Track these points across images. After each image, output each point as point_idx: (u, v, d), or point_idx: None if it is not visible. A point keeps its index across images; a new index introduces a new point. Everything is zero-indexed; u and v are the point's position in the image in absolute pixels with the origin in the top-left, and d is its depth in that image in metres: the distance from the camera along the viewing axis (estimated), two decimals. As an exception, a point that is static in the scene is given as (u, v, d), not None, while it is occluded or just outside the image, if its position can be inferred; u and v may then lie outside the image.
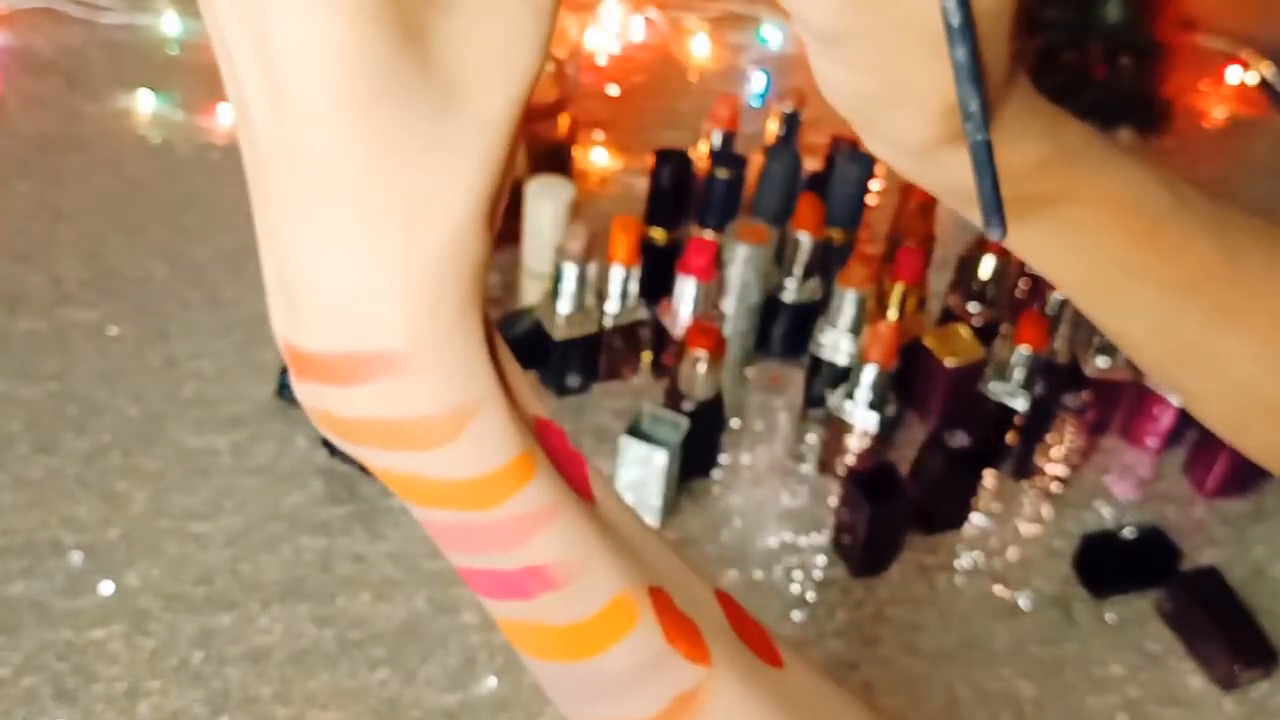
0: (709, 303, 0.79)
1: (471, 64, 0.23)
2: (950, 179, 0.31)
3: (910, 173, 0.32)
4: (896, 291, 0.80)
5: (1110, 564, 0.73)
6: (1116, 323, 0.38)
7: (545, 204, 0.84)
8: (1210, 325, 0.36)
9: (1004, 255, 0.85)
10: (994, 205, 0.28)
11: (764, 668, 0.30)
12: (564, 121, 0.95)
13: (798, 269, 0.84)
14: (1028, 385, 0.76)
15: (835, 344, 0.79)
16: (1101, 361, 0.81)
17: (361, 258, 0.23)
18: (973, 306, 0.86)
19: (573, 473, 0.28)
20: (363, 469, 0.74)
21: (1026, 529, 0.77)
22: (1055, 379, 0.78)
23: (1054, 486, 0.80)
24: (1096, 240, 0.35)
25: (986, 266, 0.85)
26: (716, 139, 0.93)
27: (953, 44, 0.26)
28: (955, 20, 0.26)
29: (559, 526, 0.26)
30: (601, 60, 1.28)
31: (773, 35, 1.36)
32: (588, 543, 0.27)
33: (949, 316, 0.87)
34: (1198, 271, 0.35)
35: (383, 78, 0.22)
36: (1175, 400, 0.81)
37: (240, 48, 0.22)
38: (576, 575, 0.27)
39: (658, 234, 0.88)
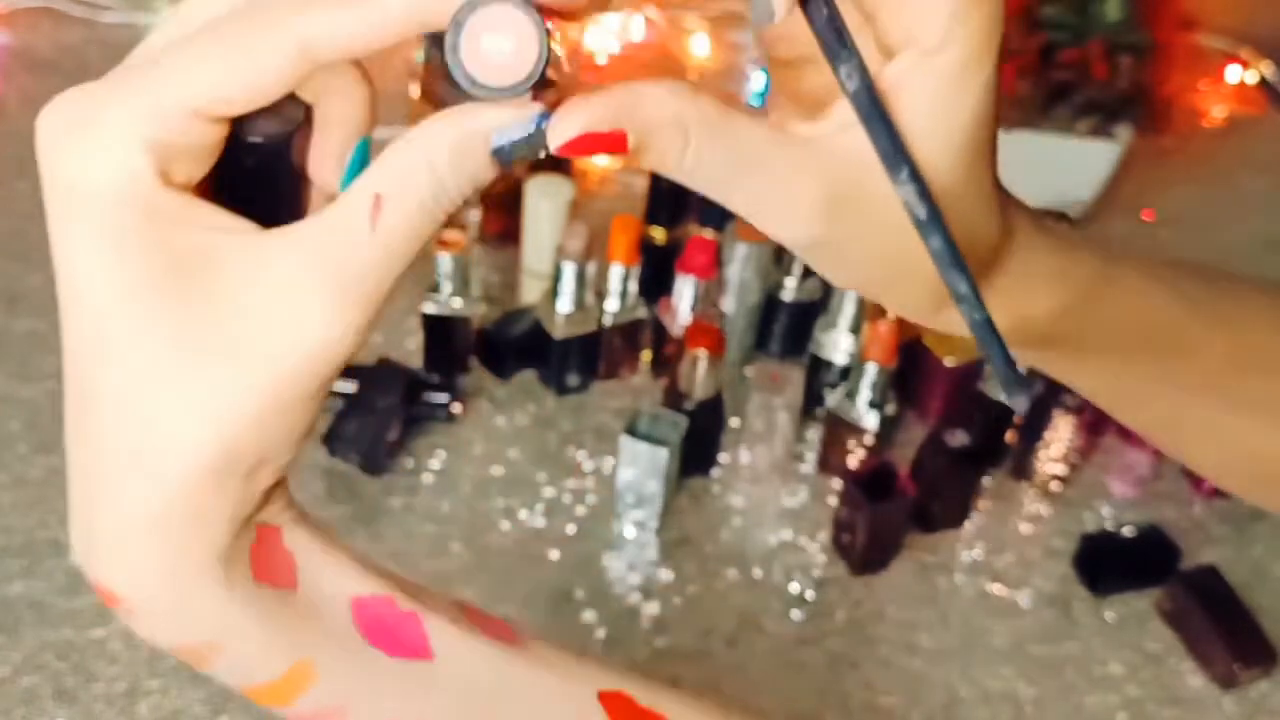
0: (708, 302, 0.79)
1: (266, 327, 0.24)
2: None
3: (932, 326, 0.32)
4: (896, 290, 0.80)
5: (1110, 563, 0.73)
6: (1132, 417, 0.40)
7: (544, 203, 0.84)
8: (1227, 409, 0.37)
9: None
10: (1010, 377, 0.28)
11: None
12: (563, 121, 0.95)
13: (797, 268, 0.84)
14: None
15: (835, 343, 0.79)
16: (1101, 360, 0.81)
17: (99, 490, 0.25)
18: (972, 305, 0.86)
19: (497, 631, 0.30)
20: (363, 468, 0.74)
21: (1026, 528, 0.77)
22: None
23: (1053, 486, 0.80)
24: (1115, 365, 0.36)
25: (986, 265, 0.85)
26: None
27: (925, 236, 0.27)
28: (921, 213, 0.26)
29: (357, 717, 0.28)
30: (601, 60, 1.28)
31: (772, 34, 1.36)
32: None
33: (948, 315, 0.87)
34: (1213, 368, 0.37)
35: (131, 320, 0.24)
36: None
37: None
38: None
39: (657, 233, 0.88)
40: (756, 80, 1.25)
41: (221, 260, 0.24)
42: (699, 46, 1.33)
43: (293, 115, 0.26)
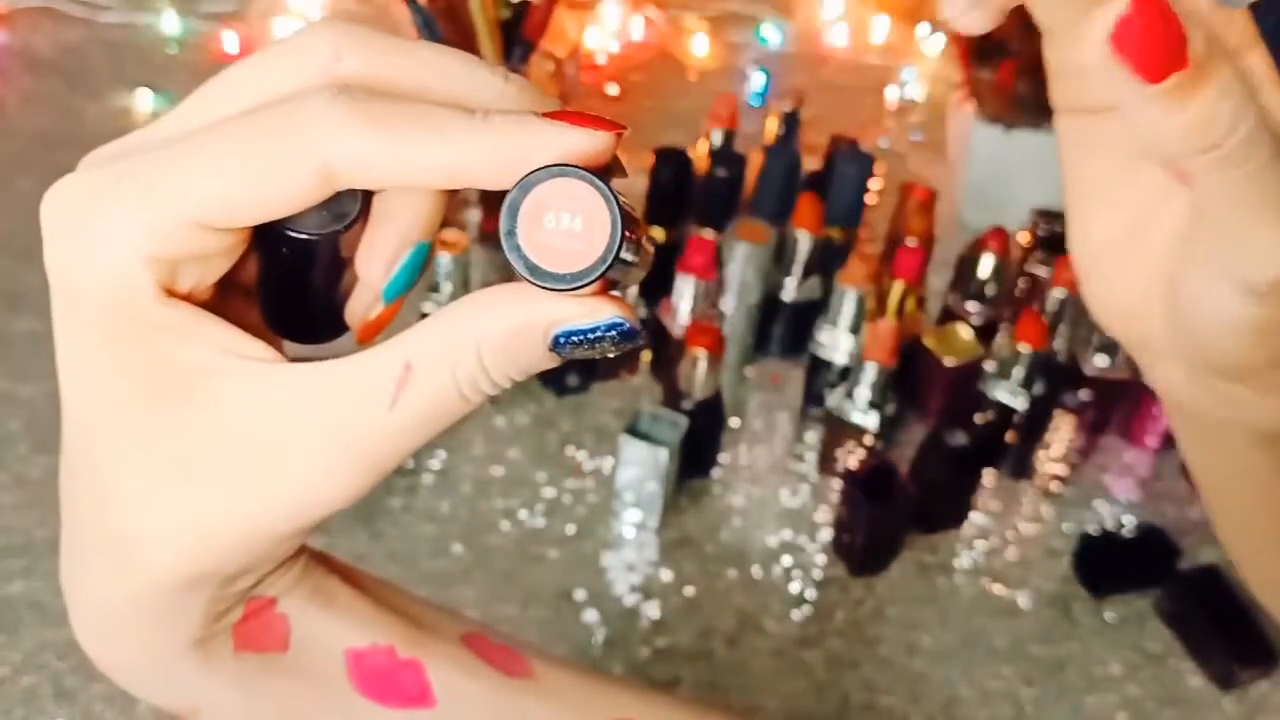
0: (708, 302, 0.79)
1: (229, 461, 0.23)
2: None
3: None
4: (896, 290, 0.80)
5: (1109, 563, 0.73)
6: None
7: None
8: None
9: (1003, 254, 0.85)
10: None
11: None
12: (563, 120, 0.95)
13: (797, 268, 0.84)
14: (1027, 384, 0.76)
15: (835, 343, 0.79)
16: (1101, 360, 0.81)
17: (76, 566, 0.25)
18: (972, 305, 0.86)
19: (506, 663, 0.29)
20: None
21: (1026, 528, 0.77)
22: (1055, 378, 0.78)
23: (1053, 486, 0.80)
24: None
25: (986, 265, 0.85)
26: (716, 138, 0.93)
27: None
28: None
29: None
30: (601, 59, 1.28)
31: (772, 34, 1.36)
32: None
33: (948, 315, 0.87)
34: None
35: (116, 432, 0.23)
36: None
37: None
38: None
39: (657, 233, 0.88)
40: (756, 80, 1.25)
41: (223, 385, 0.23)
42: (698, 45, 1.33)
43: (345, 209, 0.24)
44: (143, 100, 1.10)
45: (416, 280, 0.25)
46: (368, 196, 0.24)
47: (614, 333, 0.22)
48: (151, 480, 0.23)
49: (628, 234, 0.21)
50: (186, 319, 0.23)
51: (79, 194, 0.22)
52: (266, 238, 0.23)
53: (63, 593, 0.26)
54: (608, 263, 0.21)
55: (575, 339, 0.22)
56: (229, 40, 1.21)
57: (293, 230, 0.23)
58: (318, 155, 0.21)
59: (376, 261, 0.24)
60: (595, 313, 0.22)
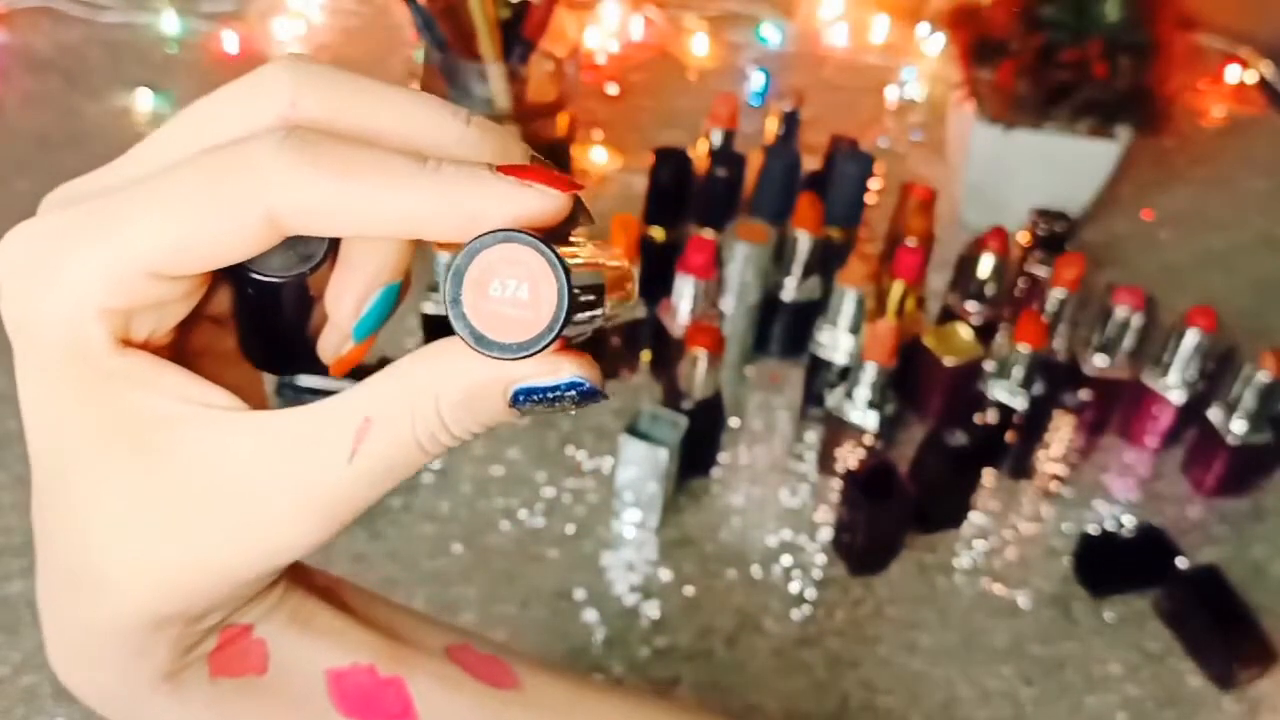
0: (708, 301, 0.79)
1: (188, 508, 0.23)
2: None
3: None
4: (896, 290, 0.80)
5: (1109, 563, 0.73)
6: None
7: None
8: None
9: (1003, 254, 0.85)
10: None
11: None
12: (563, 120, 0.95)
13: (797, 268, 0.84)
14: (1027, 384, 0.76)
15: (834, 343, 0.79)
16: (1100, 360, 0.81)
17: (49, 599, 0.26)
18: (972, 305, 0.86)
19: (491, 674, 0.29)
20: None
21: (1025, 528, 0.77)
22: (1054, 378, 0.78)
23: (1053, 485, 0.80)
24: None
25: (985, 265, 0.85)
26: (715, 138, 0.93)
27: None
28: None
29: None
30: (600, 59, 1.28)
31: (772, 34, 1.36)
32: None
33: (948, 315, 0.87)
34: None
35: (75, 477, 0.23)
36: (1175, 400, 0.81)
37: None
38: None
39: (657, 233, 0.88)
40: (756, 80, 1.25)
41: (183, 434, 0.23)
42: (698, 45, 1.33)
43: (311, 250, 0.23)
44: (143, 100, 1.10)
45: (388, 317, 0.24)
46: (335, 241, 0.24)
47: (574, 392, 0.22)
48: (114, 523, 0.23)
49: (581, 296, 0.20)
50: (143, 368, 0.23)
51: (34, 242, 0.22)
52: (235, 275, 0.23)
53: (41, 622, 0.26)
54: (554, 333, 0.20)
55: (535, 397, 0.22)
56: (229, 40, 1.21)
57: (256, 273, 0.23)
58: (263, 201, 0.21)
59: (345, 302, 0.24)
60: (556, 371, 0.22)
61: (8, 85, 1.11)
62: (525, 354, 0.20)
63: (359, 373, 0.26)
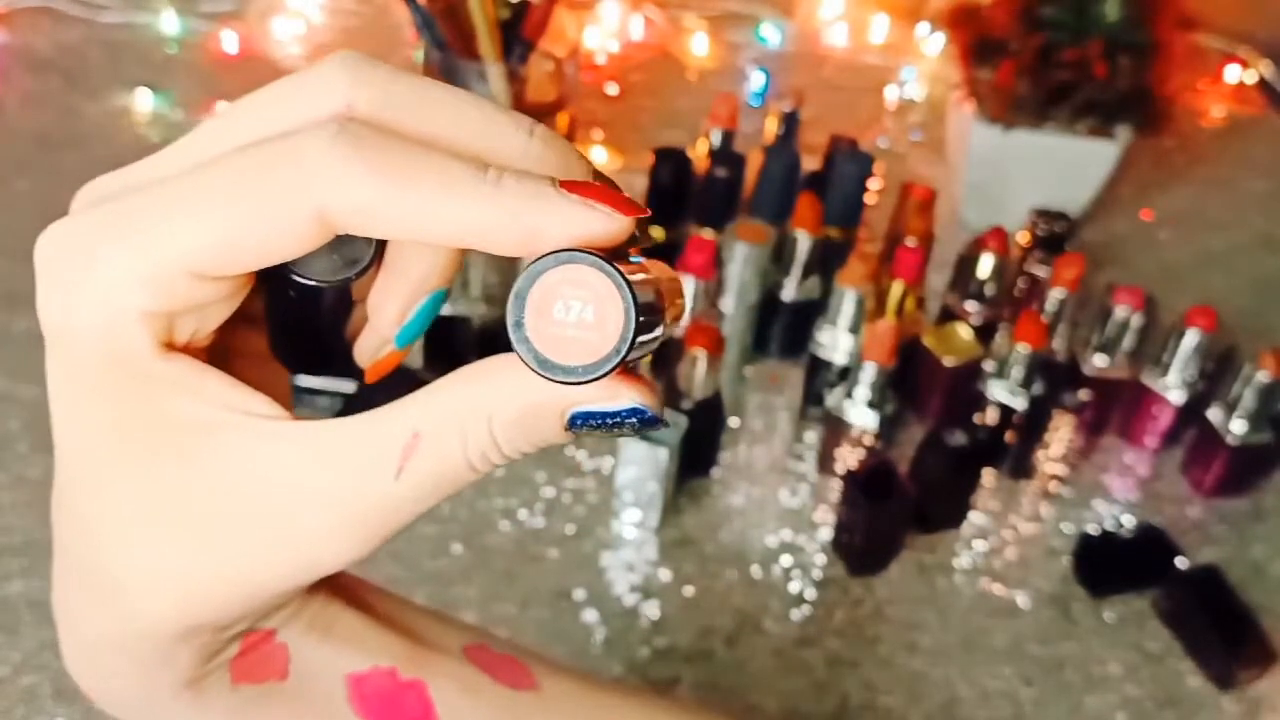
0: (708, 301, 0.79)
1: (224, 519, 0.22)
2: None
3: None
4: (895, 290, 0.80)
5: (1108, 563, 0.73)
6: None
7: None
8: None
9: (1003, 254, 0.85)
10: None
11: None
12: (563, 120, 0.95)
13: (796, 268, 0.84)
14: (1027, 384, 0.76)
15: (834, 343, 0.79)
16: (1100, 360, 0.81)
17: (68, 605, 0.24)
18: (971, 305, 0.86)
19: (509, 674, 0.29)
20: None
21: (1025, 528, 0.77)
22: (1054, 378, 0.78)
23: (1052, 485, 0.80)
24: None
25: (985, 265, 0.85)
26: (715, 138, 0.93)
27: None
28: None
29: None
30: (600, 59, 1.28)
31: (772, 34, 1.36)
32: None
33: (948, 315, 0.87)
34: None
35: (106, 485, 0.22)
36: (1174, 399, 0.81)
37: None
38: None
39: (657, 233, 0.88)
40: (756, 80, 1.25)
41: (224, 442, 0.22)
42: (698, 45, 1.33)
43: (357, 254, 0.22)
44: (142, 100, 1.10)
45: (429, 326, 0.24)
46: (381, 241, 0.23)
47: (634, 419, 0.21)
48: (144, 532, 0.22)
49: (645, 318, 0.20)
50: (186, 373, 0.22)
51: (72, 240, 0.21)
52: (273, 277, 0.22)
53: (58, 626, 0.25)
54: (622, 355, 0.19)
55: (593, 421, 0.21)
56: (228, 40, 1.21)
57: (301, 276, 0.22)
58: (314, 199, 0.19)
59: (389, 308, 0.23)
60: (615, 397, 0.21)
61: (8, 85, 1.11)
62: (591, 378, 0.20)
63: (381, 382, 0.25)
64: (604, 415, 0.21)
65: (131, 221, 0.21)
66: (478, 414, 0.21)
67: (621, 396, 0.21)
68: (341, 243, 0.22)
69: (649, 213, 0.21)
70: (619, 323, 0.19)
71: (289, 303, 0.24)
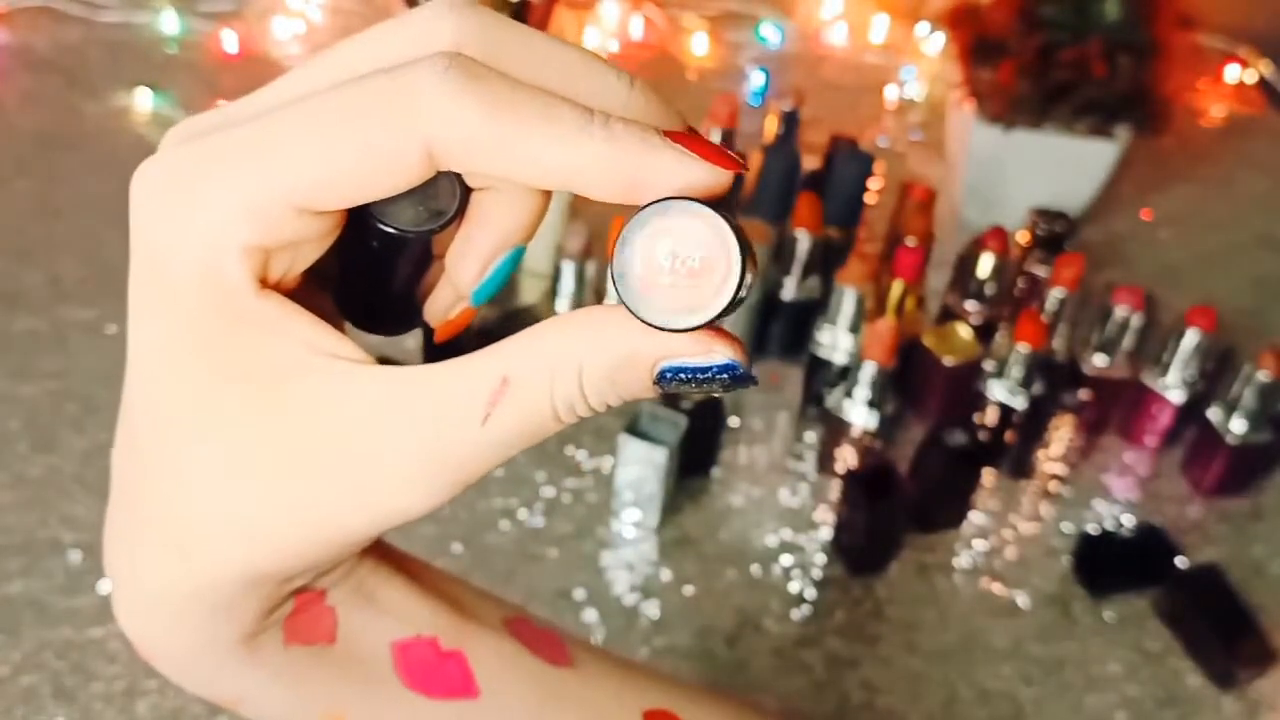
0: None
1: (303, 463, 0.22)
2: None
3: None
4: (895, 290, 0.80)
5: (1108, 563, 0.73)
6: None
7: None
8: None
9: (1003, 253, 0.85)
10: None
11: None
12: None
13: (796, 267, 0.84)
14: (1026, 384, 0.76)
15: (834, 342, 0.79)
16: (1100, 360, 0.81)
17: (127, 552, 0.24)
18: (971, 305, 0.86)
19: (547, 649, 0.29)
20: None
21: (1025, 528, 0.77)
22: (1054, 377, 0.78)
23: (1052, 485, 0.80)
24: None
25: (985, 265, 0.85)
26: (715, 137, 0.93)
27: None
28: None
29: None
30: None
31: (771, 34, 1.36)
32: None
33: (948, 315, 0.87)
34: None
35: (186, 423, 0.22)
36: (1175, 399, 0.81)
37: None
38: None
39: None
40: (756, 79, 1.25)
41: (311, 384, 0.21)
42: (698, 45, 1.33)
43: (442, 206, 0.22)
44: (142, 100, 1.10)
45: (506, 283, 0.24)
46: (465, 193, 0.22)
47: (726, 375, 0.21)
48: (224, 475, 0.22)
49: (747, 268, 0.19)
50: (280, 313, 0.21)
51: (173, 174, 0.21)
52: (355, 225, 0.22)
53: (107, 571, 0.25)
54: (727, 305, 0.19)
55: (684, 376, 0.21)
56: (228, 40, 1.21)
57: (387, 224, 0.22)
58: (423, 131, 0.19)
59: (470, 263, 0.23)
60: (709, 352, 0.20)
61: (8, 85, 1.11)
62: (695, 327, 0.20)
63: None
64: (695, 370, 0.21)
65: (236, 154, 0.20)
66: (569, 362, 0.21)
67: (715, 352, 0.21)
68: (428, 194, 0.22)
69: (747, 170, 0.21)
70: (726, 270, 0.19)
71: (368, 253, 0.23)
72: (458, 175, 0.22)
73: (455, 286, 0.24)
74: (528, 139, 0.19)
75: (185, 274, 0.21)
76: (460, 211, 0.22)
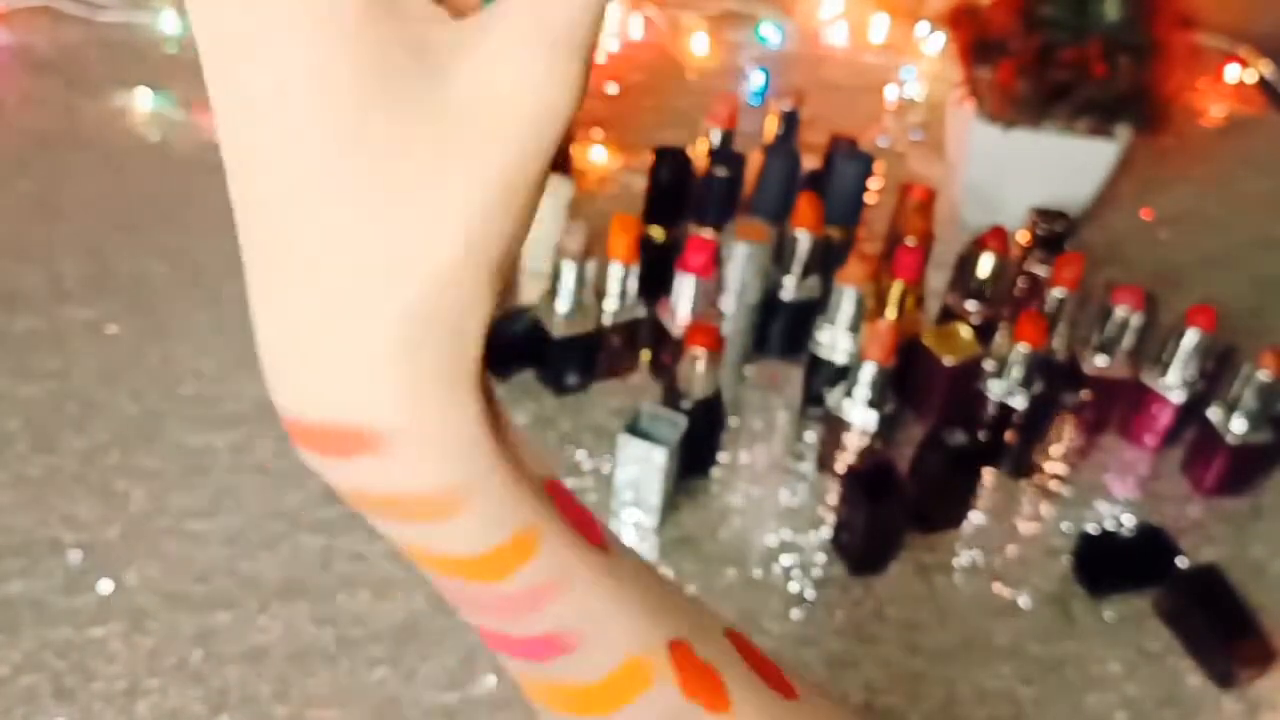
0: (708, 301, 0.79)
1: (488, 106, 0.22)
2: None
3: None
4: (895, 289, 0.80)
5: (1108, 562, 0.73)
6: None
7: (544, 201, 0.83)
8: None
9: (1003, 253, 0.85)
10: None
11: (781, 702, 0.29)
12: (563, 120, 0.95)
13: (796, 267, 0.84)
14: (1026, 383, 0.76)
15: (834, 342, 0.79)
16: (1100, 360, 0.81)
17: (335, 316, 0.22)
18: (971, 304, 0.86)
19: (584, 530, 0.27)
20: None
21: (1025, 527, 0.77)
22: (1054, 377, 0.78)
23: (1052, 485, 0.80)
24: None
25: (985, 265, 0.85)
26: (715, 137, 0.93)
27: None
28: None
29: (569, 597, 0.26)
30: (600, 58, 1.28)
31: (771, 33, 1.36)
32: (600, 609, 0.26)
33: (948, 315, 0.87)
34: None
35: (370, 111, 0.21)
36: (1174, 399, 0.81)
37: (215, 84, 0.22)
38: (588, 640, 0.26)
39: (656, 232, 0.88)
40: (756, 79, 1.25)
41: (434, 50, 0.22)
42: (698, 45, 1.33)
43: None
44: (142, 99, 1.10)
45: None
46: None
47: None
48: (401, 167, 0.21)
49: None
50: None
51: None
52: None
53: (273, 375, 0.23)
54: None
55: None
56: (228, 39, 1.21)
57: None
58: None
59: None
60: None
61: (8, 85, 1.11)
62: None
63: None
64: None
65: None
66: None
67: None
68: None
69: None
70: None
71: None
72: None
73: None
74: None
75: None
76: None
